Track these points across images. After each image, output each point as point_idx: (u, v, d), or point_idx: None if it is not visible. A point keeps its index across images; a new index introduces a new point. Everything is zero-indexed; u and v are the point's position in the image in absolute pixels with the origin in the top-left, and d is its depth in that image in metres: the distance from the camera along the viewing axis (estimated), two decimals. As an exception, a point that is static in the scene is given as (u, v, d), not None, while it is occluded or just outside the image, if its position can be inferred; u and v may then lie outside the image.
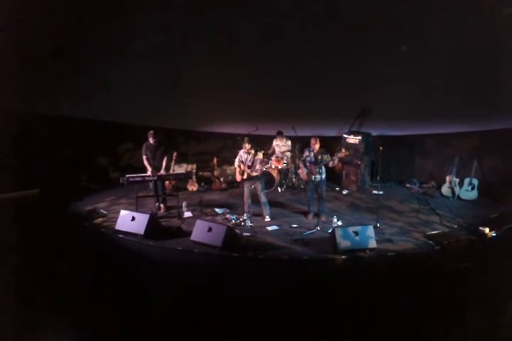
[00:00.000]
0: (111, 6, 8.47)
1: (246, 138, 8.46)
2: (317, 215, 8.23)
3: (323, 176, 8.22)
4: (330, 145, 9.23)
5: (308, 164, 8.20)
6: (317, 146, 8.13)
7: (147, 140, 8.73)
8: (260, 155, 8.27)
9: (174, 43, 9.31)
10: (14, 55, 7.95)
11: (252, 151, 8.28)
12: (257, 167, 8.14)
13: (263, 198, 8.41)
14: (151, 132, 8.65)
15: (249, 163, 8.24)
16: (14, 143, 8.50)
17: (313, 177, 8.11)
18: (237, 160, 8.47)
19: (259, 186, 8.32)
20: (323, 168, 8.16)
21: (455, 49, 8.59)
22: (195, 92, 9.90)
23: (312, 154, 8.17)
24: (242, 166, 8.33)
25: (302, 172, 8.33)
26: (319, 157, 8.08)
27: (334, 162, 8.08)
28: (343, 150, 8.10)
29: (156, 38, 9.18)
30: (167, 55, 9.49)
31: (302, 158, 8.36)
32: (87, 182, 10.32)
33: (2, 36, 7.89)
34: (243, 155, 8.37)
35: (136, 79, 9.58)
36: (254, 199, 8.48)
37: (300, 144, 10.23)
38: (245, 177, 8.25)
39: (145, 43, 9.23)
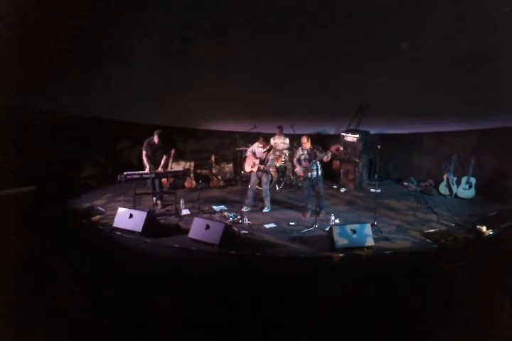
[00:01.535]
0: (111, 5, 8.47)
1: (261, 138, 8.55)
2: (316, 212, 8.26)
3: (319, 173, 8.27)
4: (328, 143, 9.24)
5: (302, 162, 8.23)
6: (308, 144, 8.19)
7: (149, 136, 8.72)
8: (272, 156, 8.37)
9: (174, 43, 9.31)
10: (14, 54, 7.93)
11: (268, 148, 8.49)
12: (268, 164, 8.40)
13: (266, 191, 8.63)
14: (159, 131, 8.67)
15: (262, 158, 8.46)
16: (12, 141, 8.48)
17: (309, 174, 8.14)
18: (249, 150, 8.71)
19: (264, 179, 8.55)
20: (318, 164, 8.19)
21: (455, 48, 8.59)
22: (194, 91, 9.90)
23: (305, 152, 8.20)
24: (252, 158, 8.56)
25: (299, 170, 8.36)
26: (312, 154, 8.11)
27: (328, 156, 8.10)
28: (337, 145, 8.13)
29: (156, 37, 9.18)
30: (167, 54, 9.49)
31: (296, 157, 8.40)
32: (85, 180, 10.30)
33: (2, 36, 7.87)
34: (257, 148, 8.57)
35: (135, 77, 9.57)
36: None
37: (298, 142, 10.24)
38: (255, 169, 8.48)
39: (145, 42, 9.23)
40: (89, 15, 8.42)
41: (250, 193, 8.61)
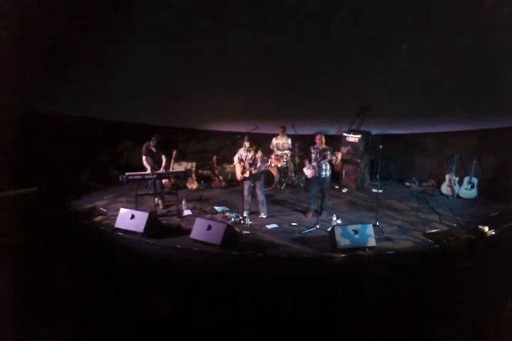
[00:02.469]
0: (111, 5, 8.48)
1: (246, 137, 8.46)
2: (318, 212, 8.29)
3: (328, 173, 8.28)
4: (330, 143, 9.25)
5: (313, 161, 8.23)
6: (321, 143, 8.20)
7: (150, 138, 8.74)
8: (260, 154, 8.24)
9: (175, 43, 9.32)
10: (14, 54, 7.94)
11: (253, 149, 8.26)
12: (259, 165, 8.16)
13: (261, 196, 8.42)
14: (155, 139, 8.68)
15: (251, 161, 8.24)
16: (14, 142, 8.49)
17: (317, 174, 8.14)
18: (236, 158, 8.44)
19: (258, 184, 8.35)
20: (328, 165, 8.19)
21: (455, 48, 8.59)
22: (195, 91, 9.90)
23: (317, 151, 8.20)
24: (242, 164, 8.33)
25: (308, 169, 8.34)
26: (323, 153, 8.13)
27: (338, 158, 8.12)
28: (347, 148, 8.14)
29: (157, 37, 9.18)
30: (168, 54, 9.50)
31: (308, 156, 8.40)
32: (87, 181, 10.31)
33: (2, 36, 7.88)
34: (243, 153, 8.35)
35: (137, 78, 9.58)
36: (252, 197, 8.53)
37: (300, 143, 10.25)
38: (247, 175, 8.23)
39: (145, 42, 9.23)
40: (89, 15, 8.43)
41: (246, 199, 8.36)
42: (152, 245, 7.37)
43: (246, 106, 10.16)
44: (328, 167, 8.25)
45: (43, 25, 8.14)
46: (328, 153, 8.10)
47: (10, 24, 7.76)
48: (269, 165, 8.46)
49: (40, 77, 8.79)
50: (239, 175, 8.38)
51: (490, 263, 6.39)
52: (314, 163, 8.19)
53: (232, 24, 8.92)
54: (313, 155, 8.27)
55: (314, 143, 8.30)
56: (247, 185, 8.35)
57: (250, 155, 8.26)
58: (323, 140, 8.23)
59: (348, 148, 8.16)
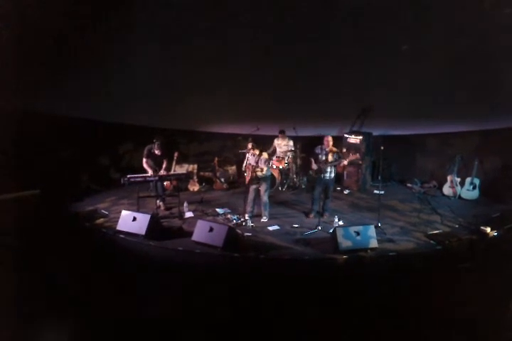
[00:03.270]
0: (111, 5, 8.47)
1: (249, 139, 8.48)
2: (320, 214, 8.30)
3: (333, 175, 8.30)
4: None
5: (319, 162, 8.22)
6: (329, 145, 8.20)
7: (151, 140, 8.74)
8: (265, 155, 8.24)
9: (175, 43, 9.31)
10: (14, 54, 7.94)
11: (257, 152, 8.28)
12: (262, 166, 8.17)
13: (265, 199, 8.39)
14: (158, 143, 8.67)
15: (254, 164, 8.26)
16: (14, 143, 8.48)
17: (322, 175, 8.12)
18: (245, 163, 8.56)
19: (264, 187, 8.32)
20: (333, 167, 8.20)
21: (455, 48, 8.58)
22: (196, 91, 9.90)
23: (324, 152, 8.21)
24: (250, 168, 8.36)
25: (313, 169, 8.32)
26: (330, 156, 8.13)
27: (345, 163, 8.15)
28: (357, 154, 8.18)
29: (157, 38, 9.17)
30: (168, 54, 9.49)
31: (314, 156, 8.38)
32: (88, 183, 10.30)
33: (2, 36, 7.88)
34: (250, 157, 8.42)
35: (137, 78, 9.57)
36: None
37: (300, 144, 10.24)
38: (249, 177, 8.26)
39: (146, 43, 9.22)
40: (89, 15, 8.41)
41: (250, 202, 8.33)
42: (154, 247, 7.36)
43: (246, 106, 10.15)
44: (333, 169, 8.26)
45: (43, 25, 8.12)
46: (336, 156, 8.13)
47: (10, 24, 7.75)
48: (270, 166, 8.47)
49: (40, 77, 8.78)
50: (247, 179, 8.41)
51: (492, 264, 6.38)
52: (321, 164, 8.18)
53: (232, 24, 8.90)
54: (319, 156, 8.26)
55: (321, 144, 8.30)
56: (252, 187, 8.35)
57: (255, 158, 8.29)
58: (331, 142, 8.22)
59: (357, 155, 8.18)
